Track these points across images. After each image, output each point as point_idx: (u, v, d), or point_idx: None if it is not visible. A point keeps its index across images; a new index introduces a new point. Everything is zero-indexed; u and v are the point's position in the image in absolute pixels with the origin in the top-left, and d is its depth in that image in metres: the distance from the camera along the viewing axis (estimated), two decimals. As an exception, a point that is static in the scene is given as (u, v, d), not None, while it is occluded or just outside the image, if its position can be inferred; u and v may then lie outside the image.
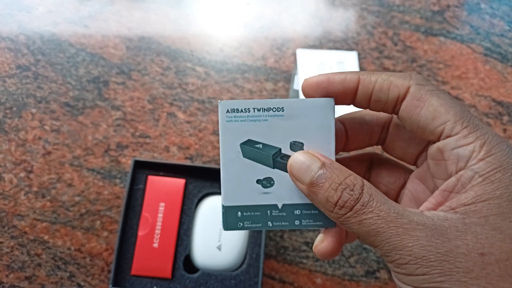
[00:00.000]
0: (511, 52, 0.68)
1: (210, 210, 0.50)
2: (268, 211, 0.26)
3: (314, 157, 0.25)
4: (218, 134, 0.58)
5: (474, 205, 0.22)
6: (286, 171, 0.26)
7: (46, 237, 0.52)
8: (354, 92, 0.25)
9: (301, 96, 0.62)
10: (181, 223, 0.50)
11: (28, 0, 0.65)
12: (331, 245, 0.27)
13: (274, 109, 0.26)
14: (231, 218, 0.26)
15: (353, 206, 0.23)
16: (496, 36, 0.70)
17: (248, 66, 0.64)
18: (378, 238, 0.22)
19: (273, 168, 0.26)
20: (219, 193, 0.52)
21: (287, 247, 0.53)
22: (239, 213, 0.26)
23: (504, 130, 0.62)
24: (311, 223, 0.27)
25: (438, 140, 0.24)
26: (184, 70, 0.62)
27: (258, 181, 0.26)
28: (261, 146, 0.26)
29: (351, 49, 0.66)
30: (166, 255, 0.48)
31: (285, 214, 0.27)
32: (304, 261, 0.53)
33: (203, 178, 0.52)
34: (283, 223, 0.27)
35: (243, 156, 0.26)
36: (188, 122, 0.59)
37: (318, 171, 0.24)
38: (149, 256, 0.48)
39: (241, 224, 0.26)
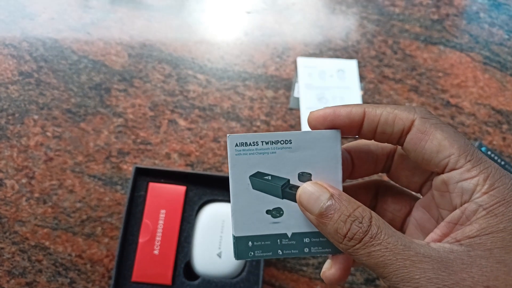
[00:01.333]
0: (510, 61, 0.69)
1: (210, 217, 0.50)
2: (278, 240, 0.27)
3: (322, 188, 0.26)
4: (218, 142, 0.59)
5: (478, 238, 0.22)
6: (295, 201, 0.27)
7: (47, 243, 0.52)
8: (360, 125, 0.26)
9: (302, 104, 0.62)
10: (181, 230, 0.50)
11: (31, 7, 0.66)
12: (339, 272, 0.27)
13: (282, 142, 0.27)
14: (242, 247, 0.27)
15: (362, 238, 0.23)
16: (495, 45, 0.70)
17: (249, 73, 0.64)
18: (386, 270, 0.22)
19: (282, 198, 0.27)
20: (220, 200, 0.52)
21: (287, 254, 0.53)
22: (250, 243, 0.27)
23: (504, 139, 0.63)
24: (320, 250, 0.27)
25: (443, 173, 0.24)
26: (185, 77, 0.63)
27: (267, 212, 0.27)
28: (270, 178, 0.27)
29: (351, 58, 0.67)
30: (167, 262, 0.48)
31: (294, 242, 0.27)
32: (304, 268, 0.53)
33: (204, 185, 0.52)
34: (292, 251, 0.27)
35: (253, 188, 0.27)
36: (189, 129, 0.59)
37: (327, 202, 0.25)
38: (149, 262, 0.48)
39: (252, 253, 0.27)
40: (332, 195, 0.25)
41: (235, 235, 0.27)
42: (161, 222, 0.50)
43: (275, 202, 0.27)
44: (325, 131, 0.27)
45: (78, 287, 0.51)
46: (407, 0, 0.73)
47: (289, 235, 0.27)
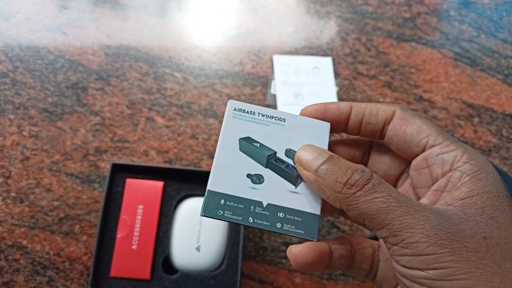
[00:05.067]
0: (480, 57, 0.71)
1: (188, 211, 0.51)
2: (252, 207, 0.26)
3: (323, 150, 0.27)
4: (196, 138, 0.59)
5: (469, 199, 0.24)
6: (278, 174, 0.27)
7: (24, 242, 0.52)
8: (347, 117, 0.29)
9: (279, 101, 0.63)
10: (159, 225, 0.50)
11: (6, 7, 0.65)
12: (306, 250, 0.26)
13: (277, 118, 0.28)
14: (213, 204, 0.26)
15: (364, 185, 0.24)
16: (465, 41, 0.72)
17: (226, 71, 0.65)
18: (389, 216, 0.23)
19: (266, 167, 0.27)
20: (198, 195, 0.53)
21: (266, 247, 0.54)
22: (222, 201, 0.26)
23: (475, 131, 0.64)
24: (293, 229, 0.26)
25: (423, 151, 0.26)
26: (162, 75, 0.63)
27: (248, 175, 0.27)
28: (258, 145, 0.28)
29: (326, 55, 0.68)
30: (145, 256, 0.48)
31: (268, 213, 0.26)
32: (283, 261, 0.54)
33: (182, 181, 0.53)
34: (264, 222, 0.26)
35: (240, 150, 0.27)
36: (167, 126, 0.59)
37: (327, 159, 0.26)
38: (128, 258, 0.48)
39: (221, 212, 0.26)
40: (332, 156, 0.26)
41: (209, 189, 0.26)
42: (139, 217, 0.50)
43: (258, 168, 0.27)
44: (318, 121, 0.29)
45: (56, 285, 0.50)
46: (379, -1, 0.75)
47: (264, 205, 0.27)
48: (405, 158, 0.29)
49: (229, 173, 0.27)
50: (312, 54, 0.68)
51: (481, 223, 0.23)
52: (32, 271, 0.51)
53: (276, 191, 0.27)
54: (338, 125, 0.29)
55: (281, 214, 0.27)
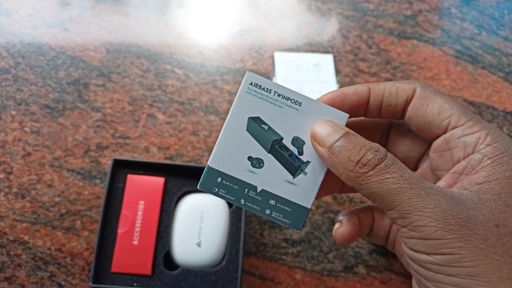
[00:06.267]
0: (481, 54, 0.71)
1: (189, 207, 0.51)
2: (246, 190, 0.27)
3: (339, 126, 0.26)
4: (197, 135, 0.59)
5: (487, 184, 0.23)
6: (279, 161, 0.27)
7: (26, 238, 0.52)
8: (366, 101, 0.27)
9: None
10: (160, 220, 0.50)
11: (7, 3, 0.66)
12: (349, 230, 0.28)
13: (293, 101, 0.27)
14: (210, 180, 0.27)
15: (376, 165, 0.23)
16: (466, 39, 0.72)
17: (227, 68, 0.65)
18: (399, 197, 0.22)
19: (268, 152, 0.27)
20: (199, 191, 0.53)
21: (266, 244, 0.54)
22: (219, 179, 0.27)
23: (475, 129, 0.64)
24: (280, 218, 0.27)
25: (445, 133, 0.25)
26: (163, 72, 0.63)
27: (249, 158, 0.27)
28: (266, 128, 0.27)
29: (327, 52, 0.68)
30: (146, 252, 0.49)
31: (260, 199, 0.27)
32: (284, 257, 0.54)
33: (183, 177, 0.53)
34: (255, 206, 0.27)
35: (246, 129, 0.27)
36: (168, 123, 0.60)
37: (341, 136, 0.25)
38: (129, 253, 0.48)
39: (216, 189, 0.27)
40: (348, 132, 0.25)
41: (209, 165, 0.27)
42: (140, 213, 0.50)
43: (260, 152, 0.27)
44: (335, 109, 0.27)
45: (58, 280, 0.51)
46: (381, -4, 0.75)
47: (258, 190, 0.27)
48: (426, 138, 0.28)
49: (231, 153, 0.27)
50: (313, 51, 0.68)
51: (496, 210, 0.22)
52: (33, 266, 0.51)
53: (273, 179, 0.27)
54: (358, 110, 0.28)
55: (272, 202, 0.27)
